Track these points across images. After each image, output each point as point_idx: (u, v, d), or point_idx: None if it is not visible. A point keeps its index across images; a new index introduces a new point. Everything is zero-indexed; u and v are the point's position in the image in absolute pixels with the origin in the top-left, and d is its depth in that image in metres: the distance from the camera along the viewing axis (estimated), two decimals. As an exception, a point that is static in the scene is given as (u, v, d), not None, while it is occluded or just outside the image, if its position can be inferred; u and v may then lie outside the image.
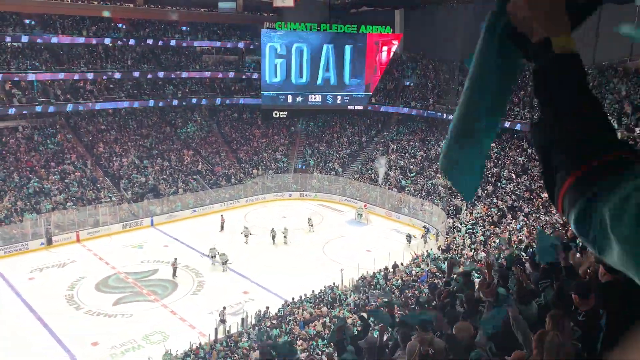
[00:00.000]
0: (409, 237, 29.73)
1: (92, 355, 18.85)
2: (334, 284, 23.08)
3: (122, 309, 22.44)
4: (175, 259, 26.11)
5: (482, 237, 26.18)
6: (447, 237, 28.64)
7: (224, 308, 20.91)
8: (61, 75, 36.72)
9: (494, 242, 24.68)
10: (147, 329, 20.63)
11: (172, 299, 23.39)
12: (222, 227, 32.05)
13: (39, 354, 18.90)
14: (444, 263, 22.87)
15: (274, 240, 29.84)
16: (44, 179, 32.82)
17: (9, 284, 24.60)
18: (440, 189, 34.81)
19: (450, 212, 31.95)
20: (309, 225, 31.61)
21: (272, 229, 30.17)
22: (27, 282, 24.81)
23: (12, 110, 34.48)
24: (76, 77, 37.51)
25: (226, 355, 16.41)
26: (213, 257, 27.07)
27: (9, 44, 36.32)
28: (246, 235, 29.89)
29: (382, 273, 23.58)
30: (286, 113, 43.98)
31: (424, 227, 30.77)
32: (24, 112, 35.15)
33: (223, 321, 20.38)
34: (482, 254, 23.05)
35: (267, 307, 20.87)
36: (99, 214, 31.69)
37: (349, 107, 43.97)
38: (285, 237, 29.96)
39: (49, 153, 34.96)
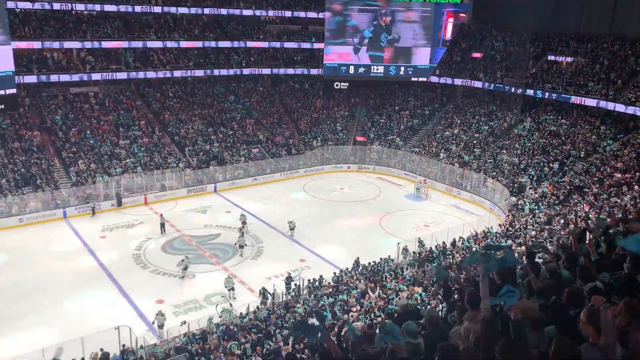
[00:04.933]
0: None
1: (156, 312, 19.88)
2: (389, 257, 23.09)
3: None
4: (243, 214, 28.54)
5: (545, 218, 25.23)
6: (508, 215, 27.83)
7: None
8: (131, 44, 38.03)
9: (560, 222, 23.74)
10: (208, 290, 21.52)
11: (232, 263, 24.23)
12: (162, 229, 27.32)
13: (108, 305, 20.24)
14: (505, 241, 22.33)
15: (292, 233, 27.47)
16: (115, 144, 34.41)
17: (82, 240, 26.29)
18: (505, 165, 33.73)
19: (514, 190, 30.96)
20: (290, 230, 27.33)
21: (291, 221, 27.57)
22: (98, 240, 26.42)
23: (85, 77, 36.13)
24: (146, 45, 38.74)
25: (282, 319, 16.91)
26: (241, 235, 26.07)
27: (85, 12, 37.84)
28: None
29: (440, 249, 23.32)
30: (347, 84, 43.69)
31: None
32: (97, 78, 36.72)
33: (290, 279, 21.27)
34: (545, 234, 22.30)
35: (321, 276, 21.16)
36: (166, 178, 33.02)
37: (412, 79, 43.12)
38: (292, 229, 27.34)
39: (120, 119, 36.54)
